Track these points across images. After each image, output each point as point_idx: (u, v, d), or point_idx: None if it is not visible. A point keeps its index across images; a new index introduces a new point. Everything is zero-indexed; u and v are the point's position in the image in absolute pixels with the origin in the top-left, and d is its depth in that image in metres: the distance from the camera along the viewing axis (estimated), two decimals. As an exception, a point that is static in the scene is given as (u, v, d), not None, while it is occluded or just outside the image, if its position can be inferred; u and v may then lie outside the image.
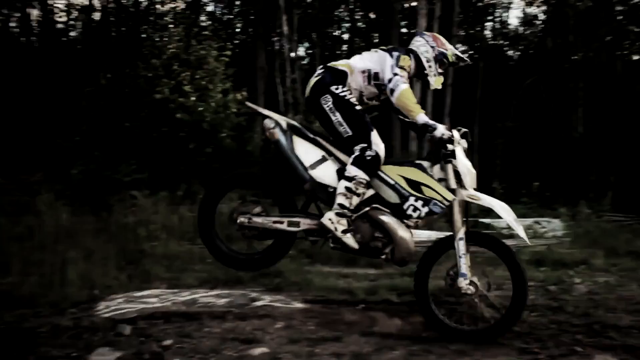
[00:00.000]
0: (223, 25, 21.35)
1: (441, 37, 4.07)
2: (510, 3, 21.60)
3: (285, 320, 4.18)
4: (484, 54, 18.89)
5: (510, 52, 21.89)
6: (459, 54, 4.11)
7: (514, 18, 28.10)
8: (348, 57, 4.24)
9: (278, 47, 16.19)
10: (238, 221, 3.85)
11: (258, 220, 3.83)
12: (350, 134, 3.72)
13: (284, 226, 3.79)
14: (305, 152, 3.80)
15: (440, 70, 3.98)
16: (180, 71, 10.66)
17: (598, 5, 17.32)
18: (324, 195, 3.77)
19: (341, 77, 3.82)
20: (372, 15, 22.60)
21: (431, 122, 3.70)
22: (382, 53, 3.90)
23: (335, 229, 3.63)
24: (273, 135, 3.81)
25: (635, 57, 18.72)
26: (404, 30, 19.55)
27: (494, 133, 15.12)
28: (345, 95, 3.76)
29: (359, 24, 23.65)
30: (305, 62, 20.70)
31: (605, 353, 3.65)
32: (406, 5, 18.16)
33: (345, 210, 3.64)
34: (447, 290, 3.94)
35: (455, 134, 3.78)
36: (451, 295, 3.97)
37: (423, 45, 3.96)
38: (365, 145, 3.67)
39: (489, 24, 22.38)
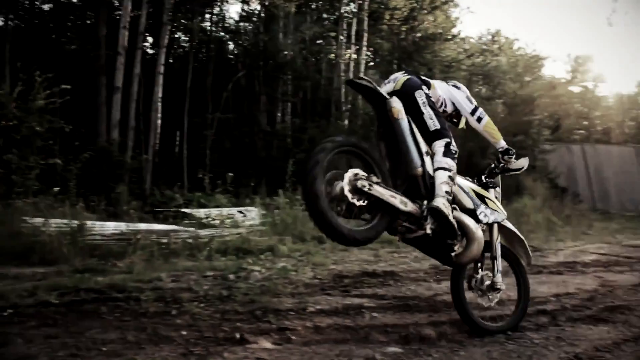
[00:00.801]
0: None
1: None
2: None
3: None
4: (203, 45, 18.89)
5: (231, 46, 22.35)
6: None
7: (234, 13, 28.71)
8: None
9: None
10: (359, 185, 3.43)
11: (378, 189, 3.53)
12: (438, 127, 3.89)
13: (396, 202, 3.61)
14: (421, 139, 3.88)
15: None
16: None
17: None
18: (429, 183, 3.82)
19: (427, 84, 4.13)
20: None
21: (511, 147, 4.24)
22: (450, 86, 4.37)
23: (448, 214, 3.71)
24: (399, 113, 3.81)
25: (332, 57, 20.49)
26: (119, 13, 18.40)
27: (204, 124, 15.19)
28: (431, 97, 4.02)
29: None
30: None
31: (260, 337, 3.75)
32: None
33: (450, 197, 3.79)
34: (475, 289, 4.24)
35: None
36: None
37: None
38: (449, 140, 3.90)
39: (208, 16, 22.39)
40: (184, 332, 3.76)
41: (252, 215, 10.01)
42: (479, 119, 4.17)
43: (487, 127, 4.18)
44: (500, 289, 4.19)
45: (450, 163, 3.82)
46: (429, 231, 3.73)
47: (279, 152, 15.18)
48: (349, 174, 3.45)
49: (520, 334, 4.10)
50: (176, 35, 19.44)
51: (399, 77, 4.04)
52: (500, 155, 4.24)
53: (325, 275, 5.83)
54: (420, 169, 3.77)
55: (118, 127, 12.46)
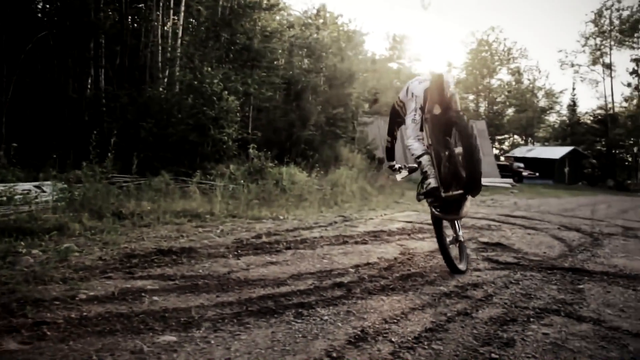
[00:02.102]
0: None
1: None
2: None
3: None
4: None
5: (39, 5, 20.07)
6: None
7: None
8: None
9: None
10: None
11: None
12: None
13: None
14: None
15: None
16: None
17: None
18: None
19: None
20: None
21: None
22: None
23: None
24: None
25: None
26: None
27: (-2, 89, 13.43)
28: None
29: None
30: None
31: (7, 336, 3.16)
32: None
33: None
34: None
35: None
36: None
37: None
38: None
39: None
40: None
41: (50, 190, 9.01)
42: None
43: None
44: (461, 241, 5.55)
45: None
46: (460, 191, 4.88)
47: (90, 121, 13.92)
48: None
49: (311, 311, 3.92)
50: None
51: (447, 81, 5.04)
52: None
53: (113, 255, 5.27)
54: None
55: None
